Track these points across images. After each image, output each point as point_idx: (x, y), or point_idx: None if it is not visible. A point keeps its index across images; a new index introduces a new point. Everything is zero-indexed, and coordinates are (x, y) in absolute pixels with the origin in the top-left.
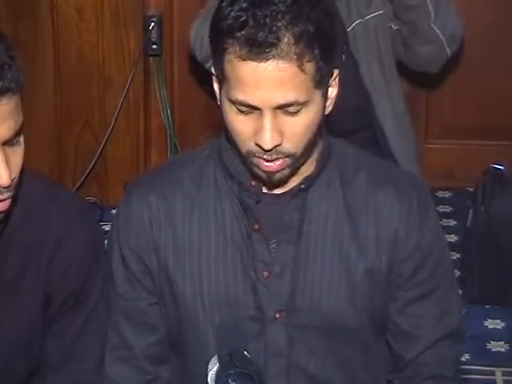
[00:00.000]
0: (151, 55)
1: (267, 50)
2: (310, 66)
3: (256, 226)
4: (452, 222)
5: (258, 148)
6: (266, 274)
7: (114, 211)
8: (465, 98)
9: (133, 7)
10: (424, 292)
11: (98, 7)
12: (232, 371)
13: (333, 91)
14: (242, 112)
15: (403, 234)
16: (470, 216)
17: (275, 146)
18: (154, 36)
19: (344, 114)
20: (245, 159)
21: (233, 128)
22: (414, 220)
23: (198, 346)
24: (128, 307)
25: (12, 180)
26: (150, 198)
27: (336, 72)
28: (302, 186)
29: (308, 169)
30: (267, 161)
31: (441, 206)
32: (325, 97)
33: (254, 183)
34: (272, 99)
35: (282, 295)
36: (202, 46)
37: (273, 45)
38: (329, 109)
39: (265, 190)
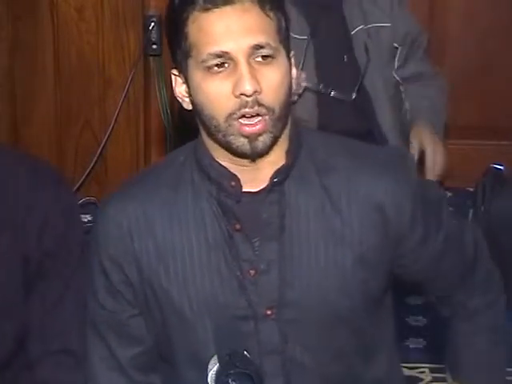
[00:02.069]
0: (151, 55)
1: None
2: (272, 15)
3: (237, 226)
4: None
5: (238, 104)
6: (252, 272)
7: None
8: (465, 98)
9: (133, 7)
10: (438, 248)
11: (98, 7)
12: (232, 371)
13: (293, 72)
14: (216, 72)
15: (391, 210)
16: (470, 216)
17: (255, 94)
18: (153, 36)
19: (345, 110)
20: (225, 132)
21: (210, 97)
22: (400, 192)
23: (188, 352)
24: (110, 318)
25: None
26: (128, 208)
27: (292, 53)
28: (275, 180)
29: (280, 159)
30: (249, 120)
31: None
32: (289, 62)
33: (233, 183)
34: (244, 41)
35: (272, 291)
36: None
37: None
38: (297, 91)
39: (244, 190)
